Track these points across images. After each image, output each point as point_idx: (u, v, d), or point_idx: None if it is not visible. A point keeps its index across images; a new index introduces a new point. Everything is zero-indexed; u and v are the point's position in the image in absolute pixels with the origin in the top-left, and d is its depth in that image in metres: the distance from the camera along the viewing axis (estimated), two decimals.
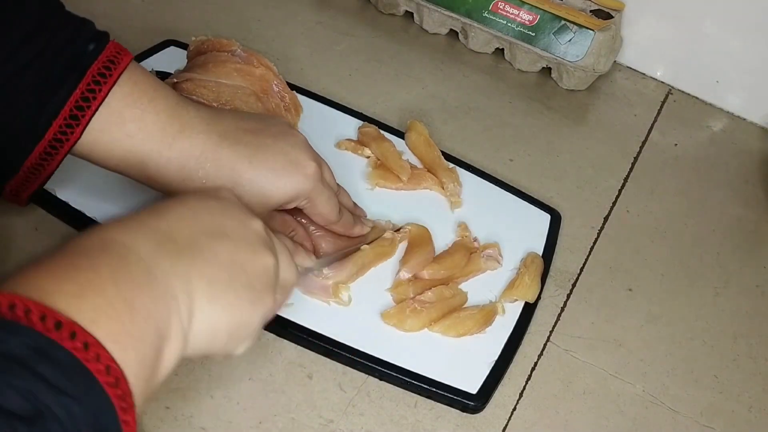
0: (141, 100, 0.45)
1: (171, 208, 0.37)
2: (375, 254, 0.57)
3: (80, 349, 0.28)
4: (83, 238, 0.33)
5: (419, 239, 0.59)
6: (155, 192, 0.56)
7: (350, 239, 0.56)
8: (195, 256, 0.35)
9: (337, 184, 0.55)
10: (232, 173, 0.46)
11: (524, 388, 0.55)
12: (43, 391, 0.26)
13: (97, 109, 0.43)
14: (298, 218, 0.54)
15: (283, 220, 0.53)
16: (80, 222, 0.56)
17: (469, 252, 0.59)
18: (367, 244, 0.57)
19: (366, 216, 0.59)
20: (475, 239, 0.61)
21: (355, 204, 0.59)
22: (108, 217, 0.55)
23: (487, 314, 0.56)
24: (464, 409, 0.52)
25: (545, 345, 0.58)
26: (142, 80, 0.45)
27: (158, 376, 0.33)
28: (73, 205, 0.56)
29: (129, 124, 0.44)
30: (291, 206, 0.51)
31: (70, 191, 0.57)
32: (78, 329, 0.28)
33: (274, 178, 0.48)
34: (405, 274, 0.57)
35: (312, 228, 0.55)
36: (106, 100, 0.44)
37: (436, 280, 0.57)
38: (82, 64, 0.43)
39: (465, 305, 0.57)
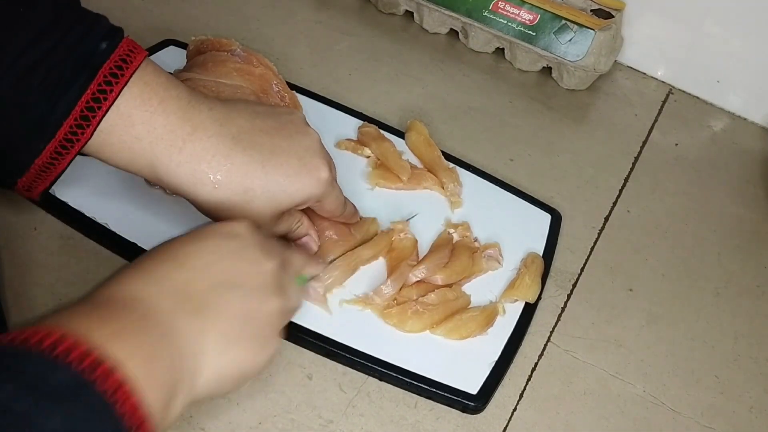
0: (151, 101, 0.44)
1: (191, 256, 0.39)
2: (372, 253, 0.57)
3: (115, 386, 0.31)
4: (108, 288, 0.36)
5: (440, 243, 0.59)
6: (155, 194, 0.56)
7: (349, 226, 0.57)
8: (209, 312, 0.38)
9: None
10: (245, 178, 0.46)
11: (524, 388, 0.55)
12: (78, 424, 0.29)
13: (107, 111, 0.43)
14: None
15: (288, 212, 0.53)
16: (80, 222, 0.56)
17: (471, 252, 0.59)
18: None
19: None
20: (476, 239, 0.61)
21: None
22: (107, 217, 0.55)
23: (488, 315, 0.56)
24: (464, 409, 0.52)
25: (545, 345, 0.58)
26: (153, 80, 0.44)
27: (166, 422, 0.35)
28: (72, 205, 0.56)
29: (138, 126, 0.43)
30: (301, 208, 0.50)
31: (70, 191, 0.57)
32: (113, 368, 0.31)
33: (287, 184, 0.47)
34: (414, 277, 0.56)
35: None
36: (116, 101, 0.43)
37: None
38: (94, 63, 0.42)
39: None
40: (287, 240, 0.54)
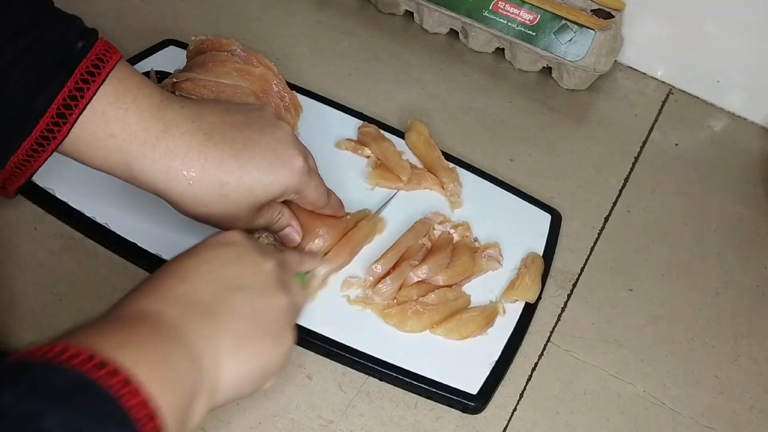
0: (125, 99, 0.44)
1: (192, 269, 0.40)
2: (362, 235, 0.57)
3: (120, 384, 0.31)
4: (118, 309, 0.37)
5: (441, 243, 0.59)
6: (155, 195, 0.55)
7: (336, 218, 0.57)
8: (218, 315, 0.38)
9: None
10: (219, 173, 0.46)
11: (525, 388, 0.55)
12: (81, 419, 0.29)
13: (84, 108, 0.43)
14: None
15: (268, 204, 0.52)
16: (80, 222, 0.56)
17: (472, 253, 0.59)
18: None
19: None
20: (476, 239, 0.61)
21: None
22: (107, 217, 0.55)
23: (488, 316, 0.56)
24: (464, 409, 0.52)
25: (546, 345, 0.58)
26: (127, 78, 0.45)
27: (188, 426, 0.35)
28: (72, 205, 0.56)
29: (112, 123, 0.44)
30: (279, 200, 0.51)
31: (70, 191, 0.57)
32: (119, 368, 0.31)
33: (262, 176, 0.47)
34: (416, 277, 0.56)
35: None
36: (91, 100, 0.43)
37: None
38: (71, 62, 0.43)
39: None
40: (269, 232, 0.55)
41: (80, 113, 0.43)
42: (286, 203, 0.53)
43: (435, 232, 0.60)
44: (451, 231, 0.61)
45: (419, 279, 0.56)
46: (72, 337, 0.32)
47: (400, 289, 0.56)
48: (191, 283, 0.39)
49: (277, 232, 0.54)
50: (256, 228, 0.52)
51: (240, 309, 0.39)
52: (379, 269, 0.56)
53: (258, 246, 0.43)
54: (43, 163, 0.45)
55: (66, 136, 0.43)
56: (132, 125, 0.44)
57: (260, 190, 0.47)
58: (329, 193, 0.54)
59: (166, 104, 0.46)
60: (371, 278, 0.56)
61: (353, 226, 0.58)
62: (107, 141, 0.44)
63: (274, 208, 0.52)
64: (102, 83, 0.44)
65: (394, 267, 0.56)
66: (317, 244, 0.55)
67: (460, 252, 0.59)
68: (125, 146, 0.44)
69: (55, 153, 0.45)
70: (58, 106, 0.43)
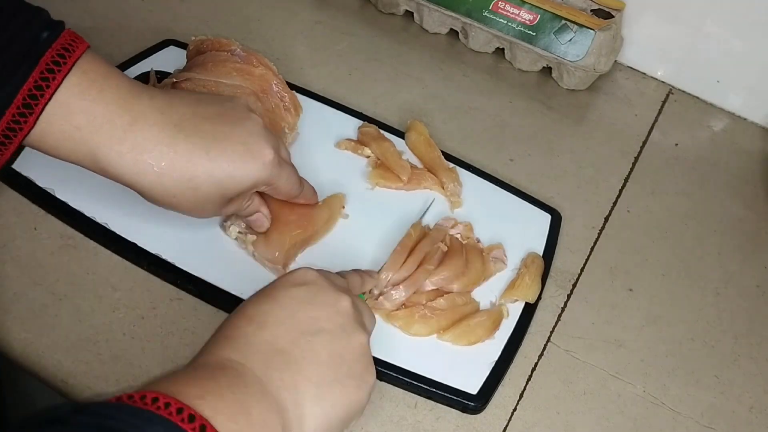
0: (90, 91, 0.44)
1: (269, 314, 0.40)
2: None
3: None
4: (200, 357, 0.38)
5: (455, 250, 0.58)
6: None
7: (311, 207, 0.57)
8: (299, 363, 0.39)
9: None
10: (189, 166, 0.45)
11: (524, 388, 0.55)
12: None
13: (49, 99, 0.42)
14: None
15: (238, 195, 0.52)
16: (80, 222, 0.56)
17: (482, 257, 0.59)
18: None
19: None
20: (477, 240, 0.61)
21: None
22: (107, 217, 0.55)
23: (495, 319, 0.56)
24: (464, 409, 0.52)
25: (546, 345, 0.58)
26: (93, 69, 0.44)
27: None
28: (72, 205, 0.56)
29: (77, 115, 0.43)
30: (250, 192, 0.50)
31: (70, 191, 0.57)
32: (208, 425, 0.32)
33: (232, 170, 0.47)
34: (431, 285, 0.56)
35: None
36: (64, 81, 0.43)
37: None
38: (36, 52, 0.42)
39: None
40: (239, 219, 0.55)
41: (45, 104, 0.42)
42: (257, 194, 0.53)
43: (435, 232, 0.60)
44: (452, 231, 0.61)
45: (434, 287, 0.56)
46: (161, 385, 0.33)
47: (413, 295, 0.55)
48: (269, 330, 0.39)
49: (245, 218, 0.54)
50: (224, 215, 0.52)
51: (320, 354, 0.40)
52: (396, 277, 0.55)
53: (331, 283, 0.43)
54: (10, 156, 0.44)
55: (32, 128, 0.43)
56: (98, 117, 0.44)
57: (230, 183, 0.47)
58: (302, 182, 0.54)
59: (134, 95, 0.45)
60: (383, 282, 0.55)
61: (326, 212, 0.57)
62: (73, 133, 0.43)
63: (243, 196, 0.51)
64: (67, 74, 0.43)
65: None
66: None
67: (473, 258, 0.58)
68: (91, 138, 0.44)
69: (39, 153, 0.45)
70: (24, 97, 0.42)
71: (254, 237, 0.55)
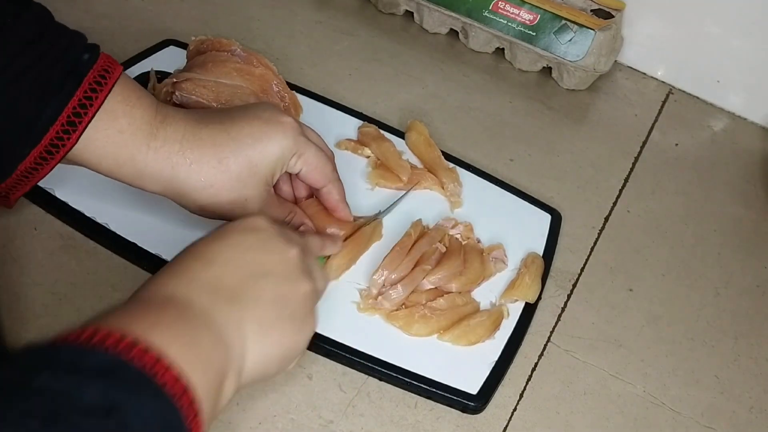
0: (130, 98, 0.47)
1: (218, 253, 0.41)
2: (365, 237, 0.57)
3: (152, 362, 0.31)
4: (143, 292, 0.38)
5: (453, 250, 0.58)
6: (155, 195, 0.55)
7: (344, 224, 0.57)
8: (245, 301, 0.39)
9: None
10: (215, 149, 0.48)
11: (525, 388, 0.55)
12: (118, 391, 0.29)
13: (94, 115, 0.45)
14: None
15: (281, 202, 0.54)
16: (80, 222, 0.56)
17: (481, 257, 0.59)
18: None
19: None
20: (478, 240, 0.61)
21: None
22: (107, 217, 0.55)
23: (495, 319, 0.56)
24: (464, 409, 0.52)
25: (546, 345, 0.58)
26: (130, 85, 0.47)
27: (218, 407, 0.36)
28: (72, 205, 0.56)
29: (121, 119, 0.46)
30: (283, 170, 0.51)
31: (70, 191, 0.57)
32: (150, 346, 0.32)
33: (255, 142, 0.49)
34: (429, 284, 0.56)
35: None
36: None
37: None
38: (80, 71, 0.45)
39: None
40: None
41: (90, 119, 0.45)
42: (298, 206, 0.55)
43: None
44: (453, 231, 0.61)
45: (432, 286, 0.56)
46: (102, 321, 0.33)
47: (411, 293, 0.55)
48: (217, 267, 0.40)
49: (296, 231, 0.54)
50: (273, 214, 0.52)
51: (265, 295, 0.40)
52: (393, 276, 0.55)
53: (282, 231, 0.44)
54: (50, 171, 0.46)
55: (75, 144, 0.45)
56: (137, 119, 0.46)
57: (258, 157, 0.49)
58: (334, 168, 0.54)
59: (162, 105, 0.49)
60: (379, 281, 0.55)
61: (359, 228, 0.58)
62: (116, 137, 0.46)
63: (285, 206, 0.54)
64: (110, 92, 0.45)
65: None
66: (334, 230, 0.55)
67: (472, 258, 0.58)
68: (132, 139, 0.46)
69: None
70: (69, 114, 0.44)
71: None
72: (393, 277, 0.55)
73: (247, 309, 0.39)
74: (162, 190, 0.48)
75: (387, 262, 0.55)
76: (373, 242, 0.58)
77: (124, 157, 0.46)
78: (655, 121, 0.79)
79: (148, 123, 0.47)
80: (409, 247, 0.57)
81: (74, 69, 0.45)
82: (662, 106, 0.81)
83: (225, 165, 0.48)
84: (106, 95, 0.45)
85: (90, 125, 0.45)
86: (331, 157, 0.54)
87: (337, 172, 0.55)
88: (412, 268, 0.56)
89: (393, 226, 0.60)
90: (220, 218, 0.49)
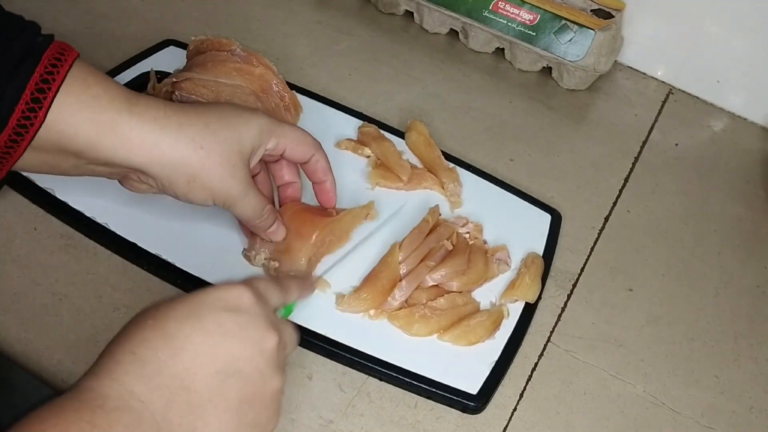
0: (96, 73, 0.46)
1: (188, 340, 0.37)
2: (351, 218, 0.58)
3: None
4: (98, 383, 0.35)
5: (459, 248, 0.58)
6: (155, 195, 0.56)
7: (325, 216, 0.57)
8: (204, 406, 0.37)
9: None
10: (199, 115, 0.48)
11: (525, 388, 0.55)
12: None
13: (58, 89, 0.43)
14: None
15: (257, 194, 0.52)
16: (80, 222, 0.56)
17: (485, 256, 0.59)
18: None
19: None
20: (485, 242, 0.61)
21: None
22: (107, 217, 0.55)
23: (495, 320, 0.56)
24: (464, 409, 0.52)
25: (546, 345, 0.58)
26: (91, 66, 0.46)
27: None
28: (72, 205, 0.56)
29: (94, 87, 0.45)
30: (262, 152, 0.51)
31: (70, 191, 0.57)
32: None
33: (236, 115, 0.49)
34: (431, 281, 0.56)
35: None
36: (71, 68, 0.44)
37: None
38: (37, 50, 0.44)
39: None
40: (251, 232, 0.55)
41: (54, 95, 0.43)
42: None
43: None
44: (461, 230, 0.60)
45: (434, 283, 0.56)
46: (49, 420, 0.31)
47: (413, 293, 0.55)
48: (186, 359, 0.37)
49: (266, 231, 0.54)
50: (247, 216, 0.52)
51: (230, 397, 0.38)
52: (403, 270, 0.56)
53: (264, 313, 0.40)
54: (22, 153, 0.44)
55: (44, 121, 0.43)
56: (112, 88, 0.45)
57: (242, 127, 0.49)
58: (318, 145, 0.54)
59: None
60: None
61: (348, 218, 0.58)
62: (92, 102, 0.44)
63: (263, 198, 0.52)
64: (71, 66, 0.44)
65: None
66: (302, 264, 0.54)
67: (476, 258, 0.58)
68: (110, 106, 0.45)
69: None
70: (32, 91, 0.43)
71: (276, 264, 0.55)
72: (403, 267, 0.56)
73: (205, 416, 0.37)
74: (147, 161, 0.46)
75: (406, 243, 0.57)
76: (367, 219, 0.59)
77: (103, 121, 0.45)
78: (655, 121, 0.79)
79: (124, 92, 0.46)
80: (426, 233, 0.58)
81: (31, 50, 0.44)
82: (662, 106, 0.81)
83: (211, 128, 0.47)
84: (68, 70, 0.44)
85: (62, 91, 0.44)
86: (306, 132, 0.54)
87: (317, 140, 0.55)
88: (418, 263, 0.56)
89: (393, 226, 0.60)
90: (205, 201, 0.48)
